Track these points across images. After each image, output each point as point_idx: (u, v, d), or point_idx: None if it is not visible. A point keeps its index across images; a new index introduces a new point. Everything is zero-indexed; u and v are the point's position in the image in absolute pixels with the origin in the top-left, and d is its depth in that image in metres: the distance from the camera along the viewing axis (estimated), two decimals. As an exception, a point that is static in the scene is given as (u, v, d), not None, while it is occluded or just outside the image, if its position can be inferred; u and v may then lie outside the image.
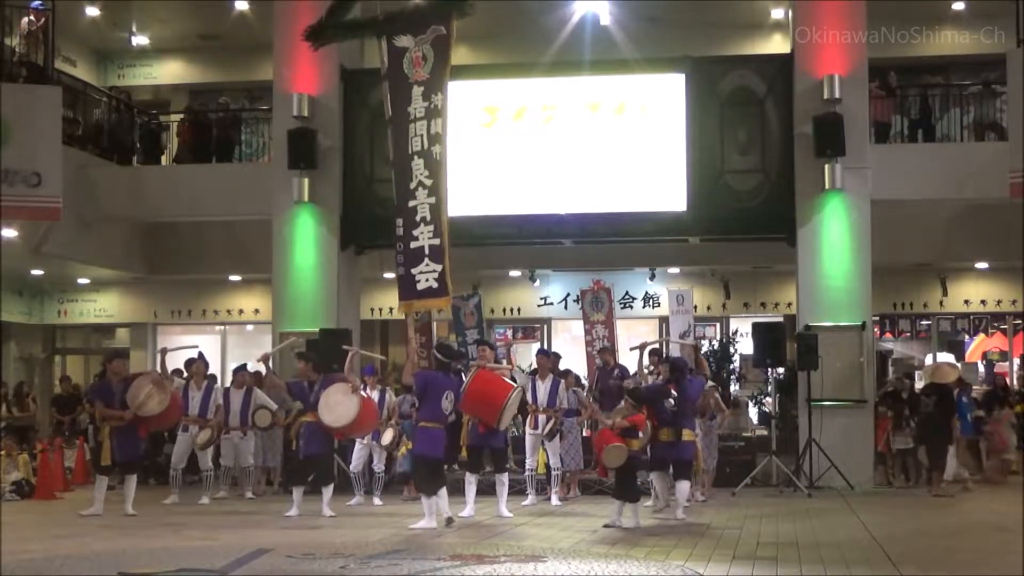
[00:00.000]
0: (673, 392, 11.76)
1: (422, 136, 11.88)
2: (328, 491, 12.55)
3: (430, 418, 11.15)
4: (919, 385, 16.84)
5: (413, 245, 11.94)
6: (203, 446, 14.20)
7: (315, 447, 12.60)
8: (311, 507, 12.44)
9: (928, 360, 20.84)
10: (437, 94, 11.90)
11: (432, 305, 12.62)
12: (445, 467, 11.91)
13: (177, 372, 15.11)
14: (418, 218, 11.92)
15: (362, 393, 12.56)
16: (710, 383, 14.22)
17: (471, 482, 12.18)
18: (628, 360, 16.64)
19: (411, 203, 11.95)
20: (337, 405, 12.19)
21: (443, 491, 11.19)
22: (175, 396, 13.04)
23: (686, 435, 11.81)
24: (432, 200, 11.83)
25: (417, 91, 11.96)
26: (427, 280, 11.92)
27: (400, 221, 12.01)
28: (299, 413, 13.51)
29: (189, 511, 13.03)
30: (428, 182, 11.87)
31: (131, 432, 12.59)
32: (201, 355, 14.95)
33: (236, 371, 15.35)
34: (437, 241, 11.82)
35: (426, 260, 11.89)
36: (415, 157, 11.96)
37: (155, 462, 16.31)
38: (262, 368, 13.58)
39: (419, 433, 11.30)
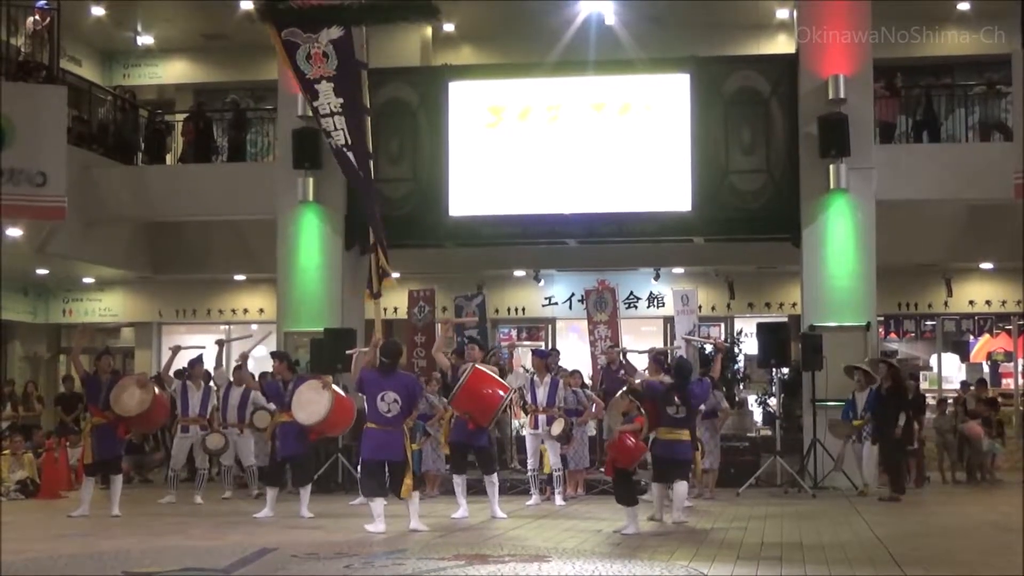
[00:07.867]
0: (676, 399, 11.49)
1: None
2: (306, 492, 12.30)
3: (369, 419, 10.68)
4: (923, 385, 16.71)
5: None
6: (215, 452, 14.24)
7: (291, 447, 12.39)
8: (292, 508, 12.28)
9: (932, 361, 20.84)
10: None
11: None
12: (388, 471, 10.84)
13: (180, 373, 15.06)
14: None
15: (336, 390, 12.24)
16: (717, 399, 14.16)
17: (459, 483, 11.97)
18: (636, 362, 16.68)
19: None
20: (308, 403, 11.93)
21: (414, 500, 10.70)
22: (161, 398, 12.78)
23: (684, 435, 11.59)
24: None
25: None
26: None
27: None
28: (275, 413, 13.41)
29: (192, 510, 13.02)
30: None
31: (111, 431, 12.49)
32: (200, 357, 14.88)
33: (235, 369, 15.32)
34: None
35: None
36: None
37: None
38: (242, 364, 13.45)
39: (362, 434, 10.99)
